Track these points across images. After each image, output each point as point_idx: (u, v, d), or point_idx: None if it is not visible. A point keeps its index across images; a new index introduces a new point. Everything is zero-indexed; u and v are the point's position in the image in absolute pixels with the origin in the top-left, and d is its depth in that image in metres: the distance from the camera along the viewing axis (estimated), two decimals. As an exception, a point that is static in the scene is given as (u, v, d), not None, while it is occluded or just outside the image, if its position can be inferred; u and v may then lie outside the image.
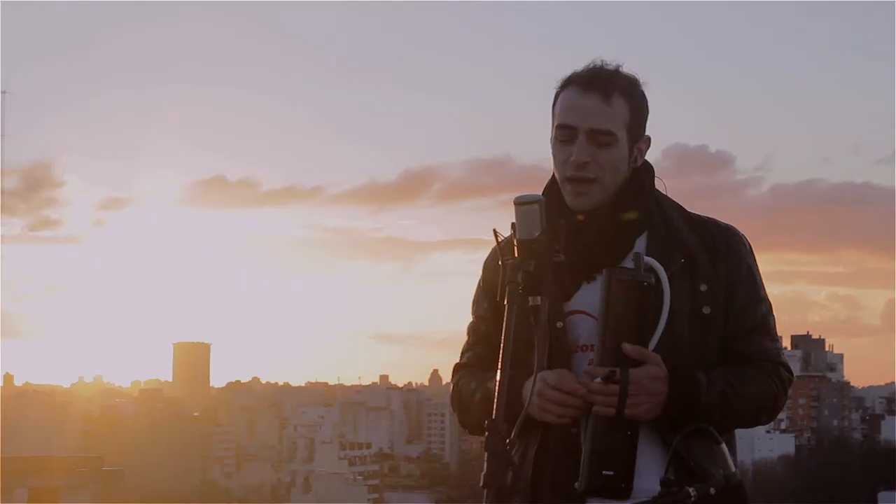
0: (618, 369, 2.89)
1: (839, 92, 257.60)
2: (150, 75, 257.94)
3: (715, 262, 3.07)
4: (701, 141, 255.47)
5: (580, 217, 3.06)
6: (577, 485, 2.92)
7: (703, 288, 3.04)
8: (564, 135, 3.06)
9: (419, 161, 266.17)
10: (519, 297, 2.77)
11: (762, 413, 3.07)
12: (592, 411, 2.91)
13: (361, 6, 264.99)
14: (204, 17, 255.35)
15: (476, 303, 3.26)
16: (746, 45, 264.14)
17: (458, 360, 3.27)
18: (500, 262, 2.86)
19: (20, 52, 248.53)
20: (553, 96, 3.12)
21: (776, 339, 3.14)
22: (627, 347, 2.91)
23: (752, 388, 3.03)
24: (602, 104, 3.03)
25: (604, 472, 2.89)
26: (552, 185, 3.12)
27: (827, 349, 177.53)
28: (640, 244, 3.07)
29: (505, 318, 2.74)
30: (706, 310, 3.04)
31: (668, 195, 3.18)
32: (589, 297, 3.05)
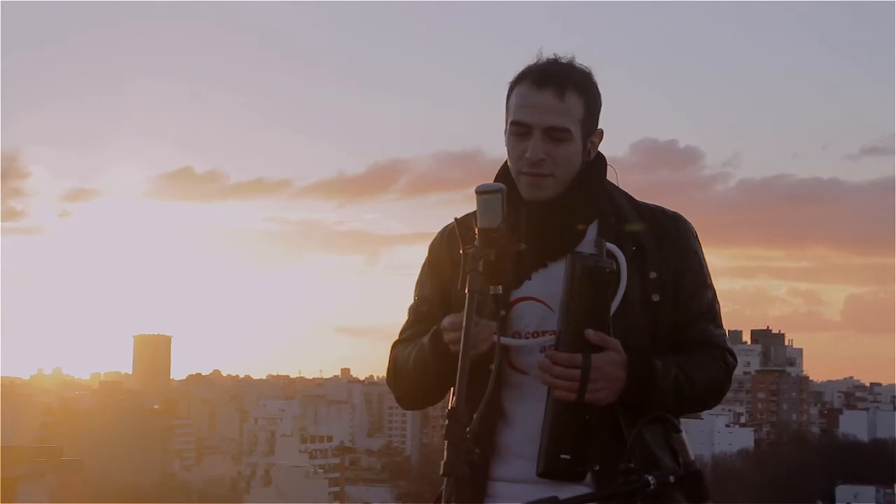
0: (580, 355, 2.90)
1: (808, 89, 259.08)
2: (118, 68, 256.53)
3: (663, 250, 3.11)
4: (671, 136, 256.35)
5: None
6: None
7: (653, 275, 3.08)
8: (519, 130, 3.07)
9: (387, 154, 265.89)
10: (479, 285, 2.77)
11: (709, 401, 3.13)
12: (552, 396, 2.92)
13: (330, 5, 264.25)
14: (174, 15, 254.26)
15: (420, 284, 3.27)
16: (716, 42, 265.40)
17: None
18: (460, 251, 2.86)
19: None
20: (507, 91, 3.13)
21: (721, 325, 3.19)
22: (591, 333, 2.92)
23: (702, 375, 3.07)
24: (556, 101, 3.04)
25: (561, 455, 2.90)
26: (505, 176, 3.12)
27: (787, 344, 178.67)
28: (591, 232, 3.10)
29: (466, 307, 2.74)
30: (655, 297, 3.07)
31: (621, 185, 3.21)
32: (540, 285, 3.07)
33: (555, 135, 3.04)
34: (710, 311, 3.16)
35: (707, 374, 3.08)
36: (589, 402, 2.90)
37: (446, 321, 3.01)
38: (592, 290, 2.92)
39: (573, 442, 2.89)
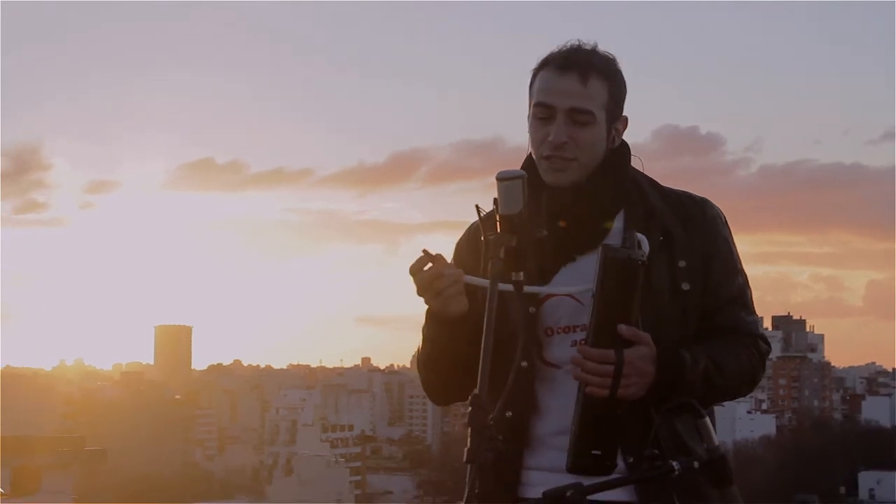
0: (613, 351, 2.88)
1: (829, 74, 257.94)
2: (139, 61, 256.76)
3: (691, 236, 3.08)
4: (692, 122, 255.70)
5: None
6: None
7: (682, 264, 3.04)
8: (543, 112, 3.05)
9: (408, 143, 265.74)
10: (501, 272, 2.76)
11: (742, 388, 3.09)
12: (585, 391, 2.90)
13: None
14: (194, 7, 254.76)
15: None
16: (737, 28, 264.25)
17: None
18: (481, 238, 2.85)
19: (9, 37, 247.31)
20: (530, 76, 3.11)
21: (753, 311, 3.15)
22: (623, 328, 2.89)
23: (732, 364, 3.03)
24: (579, 85, 3.02)
25: (592, 451, 2.89)
26: (529, 163, 3.11)
27: (808, 330, 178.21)
28: (618, 222, 3.08)
29: (488, 293, 2.73)
30: (685, 286, 3.04)
31: (645, 172, 3.18)
32: (569, 279, 3.05)
33: (578, 118, 3.02)
34: (742, 296, 3.12)
35: (738, 361, 3.05)
36: (620, 397, 2.88)
37: (410, 267, 2.96)
38: (624, 284, 2.88)
39: (603, 437, 2.88)
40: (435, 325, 3.04)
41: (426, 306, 3.03)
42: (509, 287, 2.81)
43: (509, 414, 3.05)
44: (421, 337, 3.14)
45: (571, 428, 2.92)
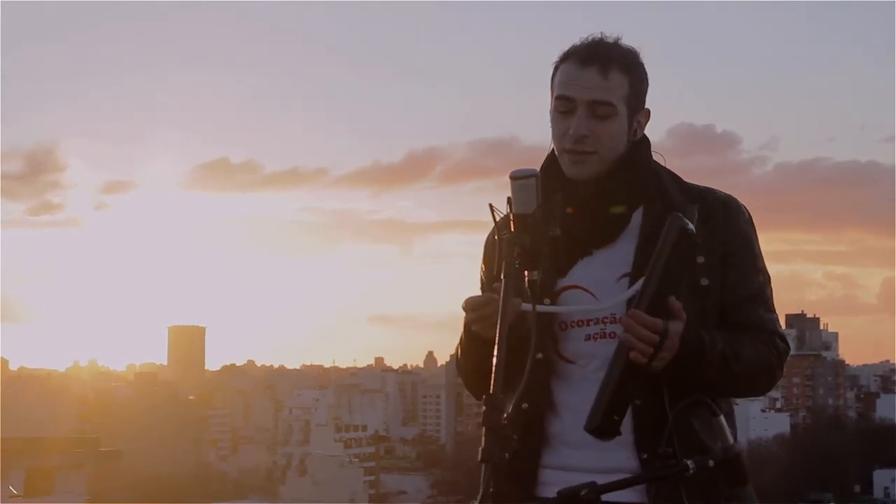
0: (661, 321, 2.84)
1: (845, 72, 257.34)
2: (154, 60, 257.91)
3: (712, 233, 3.06)
4: (708, 121, 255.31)
5: (570, 210, 3.04)
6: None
7: (701, 260, 3.02)
8: (564, 105, 3.04)
9: (423, 142, 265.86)
10: (515, 271, 2.76)
11: (759, 380, 3.06)
12: (629, 356, 2.84)
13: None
14: (211, 7, 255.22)
15: (481, 281, 3.26)
16: (753, 26, 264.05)
17: (456, 340, 3.26)
18: (495, 238, 2.85)
19: (24, 37, 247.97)
20: (552, 70, 3.11)
21: (772, 310, 3.12)
22: (674, 301, 2.87)
23: (748, 353, 3.01)
24: (600, 77, 3.01)
25: (614, 416, 2.86)
26: (551, 157, 3.11)
27: (822, 328, 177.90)
28: (636, 218, 3.07)
29: (501, 293, 2.73)
30: (704, 281, 3.02)
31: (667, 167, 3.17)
32: (585, 273, 3.04)
33: (599, 110, 3.02)
34: (761, 294, 3.10)
35: (756, 352, 3.02)
36: (653, 368, 2.86)
37: (464, 302, 3.01)
38: (681, 256, 2.87)
39: (625, 404, 2.85)
40: (471, 341, 3.06)
41: (465, 327, 3.06)
42: (528, 306, 2.82)
43: (525, 405, 3.05)
44: (459, 347, 3.16)
45: (603, 388, 2.86)
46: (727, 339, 2.99)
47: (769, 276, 3.14)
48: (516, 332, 2.77)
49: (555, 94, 3.07)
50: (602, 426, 2.83)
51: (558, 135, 3.07)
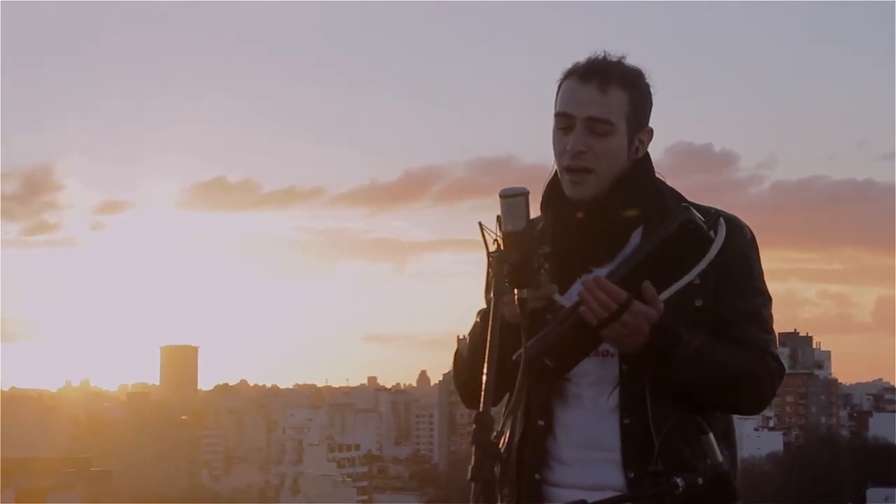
0: (626, 294, 2.85)
1: (843, 90, 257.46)
2: (150, 79, 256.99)
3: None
4: (706, 139, 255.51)
5: (579, 214, 3.05)
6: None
7: (696, 281, 2.99)
8: (563, 122, 3.05)
9: (421, 161, 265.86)
10: (505, 289, 2.76)
11: (742, 391, 3.02)
12: (579, 310, 2.87)
13: (362, 13, 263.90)
14: (207, 26, 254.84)
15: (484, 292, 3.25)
16: (751, 44, 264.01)
17: (450, 359, 3.24)
18: (487, 256, 2.85)
19: (20, 55, 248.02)
20: (556, 89, 3.12)
21: (769, 331, 3.08)
22: (648, 286, 2.87)
23: (731, 359, 2.97)
24: (599, 94, 3.02)
25: (546, 360, 2.87)
26: (554, 178, 3.11)
27: (815, 346, 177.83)
28: (636, 238, 3.05)
29: (491, 311, 2.72)
30: (698, 302, 3.01)
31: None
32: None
33: (597, 127, 3.02)
34: (757, 314, 3.06)
35: (741, 361, 2.98)
36: (605, 336, 2.87)
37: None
38: (681, 254, 2.89)
39: (564, 355, 2.92)
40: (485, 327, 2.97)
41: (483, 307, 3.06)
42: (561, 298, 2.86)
43: (520, 417, 3.05)
44: (464, 347, 3.15)
45: (555, 328, 2.91)
46: (711, 342, 2.97)
47: (770, 298, 3.11)
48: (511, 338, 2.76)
49: (555, 112, 3.08)
50: (531, 362, 2.81)
51: (558, 152, 3.08)
